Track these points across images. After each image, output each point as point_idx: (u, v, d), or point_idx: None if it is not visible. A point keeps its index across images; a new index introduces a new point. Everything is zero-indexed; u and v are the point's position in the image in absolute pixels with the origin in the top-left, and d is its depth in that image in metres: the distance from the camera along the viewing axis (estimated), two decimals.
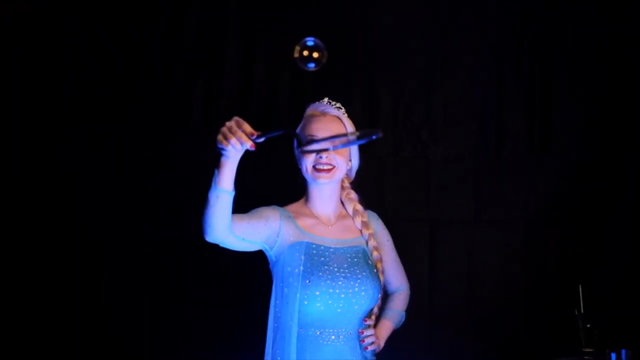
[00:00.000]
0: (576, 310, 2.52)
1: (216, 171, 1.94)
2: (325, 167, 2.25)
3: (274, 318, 2.22)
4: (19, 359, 2.98)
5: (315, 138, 2.22)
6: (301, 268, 2.17)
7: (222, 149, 1.89)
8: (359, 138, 1.89)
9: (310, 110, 2.33)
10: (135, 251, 3.05)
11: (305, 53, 1.99)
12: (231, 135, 1.86)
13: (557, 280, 3.07)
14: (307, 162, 2.26)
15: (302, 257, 2.19)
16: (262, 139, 1.88)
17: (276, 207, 2.29)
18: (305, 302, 2.16)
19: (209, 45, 3.17)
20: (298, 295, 2.15)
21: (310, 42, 1.99)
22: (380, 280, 2.30)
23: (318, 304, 2.17)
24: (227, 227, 2.01)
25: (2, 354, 2.96)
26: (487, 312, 3.13)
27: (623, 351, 2.43)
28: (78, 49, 3.11)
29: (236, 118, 1.89)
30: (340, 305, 2.19)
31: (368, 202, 3.15)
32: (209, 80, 3.17)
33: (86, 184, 3.07)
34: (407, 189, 3.18)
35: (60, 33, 3.09)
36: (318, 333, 2.18)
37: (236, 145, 1.87)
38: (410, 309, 3.12)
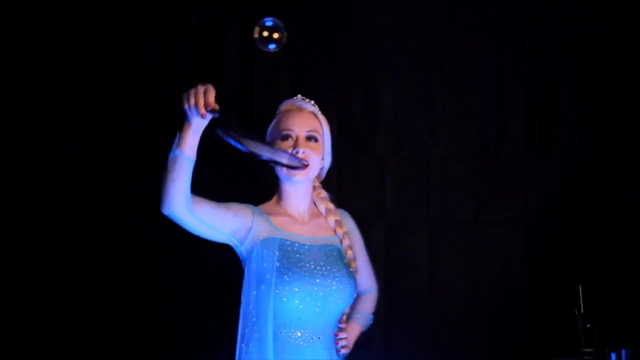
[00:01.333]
0: (576, 310, 2.51)
1: (178, 133, 1.95)
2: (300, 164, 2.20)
3: (244, 317, 2.16)
4: (19, 359, 2.98)
5: (291, 133, 2.23)
6: (277, 264, 2.12)
7: (185, 109, 1.91)
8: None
9: (285, 105, 2.33)
10: (135, 251, 3.05)
11: (265, 34, 1.97)
12: (192, 98, 1.89)
13: (557, 280, 3.07)
14: (282, 161, 2.19)
15: (277, 252, 2.14)
16: (213, 115, 1.89)
17: (250, 205, 2.25)
18: (284, 299, 2.10)
19: (209, 45, 3.17)
20: (276, 292, 2.10)
21: (269, 22, 1.97)
22: (355, 280, 2.25)
23: (297, 302, 2.11)
24: (185, 202, 1.98)
25: (2, 354, 2.96)
26: (487, 312, 3.13)
27: (623, 351, 2.43)
28: (78, 49, 3.10)
29: (209, 85, 1.93)
30: (319, 304, 2.13)
31: (368, 202, 3.17)
32: (209, 80, 3.15)
33: (86, 184, 3.07)
34: (407, 189, 3.17)
35: (60, 33, 3.09)
36: (299, 334, 2.13)
37: (191, 109, 1.89)
38: (411, 309, 3.14)
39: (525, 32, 3.19)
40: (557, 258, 3.13)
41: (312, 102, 2.34)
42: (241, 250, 2.20)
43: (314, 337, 2.14)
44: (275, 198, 2.32)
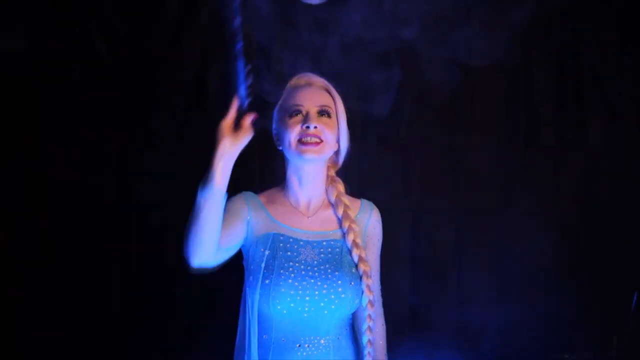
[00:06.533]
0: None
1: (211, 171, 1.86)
2: (313, 140, 2.02)
3: (239, 320, 2.06)
4: (18, 359, 2.95)
5: (301, 108, 2.04)
6: (262, 265, 1.98)
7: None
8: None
9: (293, 81, 2.13)
10: (135, 253, 2.99)
11: None
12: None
13: (558, 279, 3.06)
14: (292, 136, 2.02)
15: (266, 252, 2.00)
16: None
17: (244, 193, 2.11)
18: (265, 304, 1.97)
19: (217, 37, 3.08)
20: (257, 296, 1.97)
21: None
22: (360, 282, 2.03)
23: (279, 307, 1.97)
24: (216, 243, 1.92)
25: (1, 354, 2.93)
26: (487, 311, 3.06)
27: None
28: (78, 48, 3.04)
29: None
30: (306, 309, 1.97)
31: (392, 193, 3.09)
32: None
33: (86, 184, 3.00)
34: (433, 179, 3.10)
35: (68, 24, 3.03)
36: (283, 340, 1.99)
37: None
38: (437, 302, 3.08)
39: (554, 16, 3.11)
40: (587, 248, 3.08)
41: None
42: (243, 249, 2.09)
43: (299, 344, 1.99)
44: (281, 185, 2.15)
